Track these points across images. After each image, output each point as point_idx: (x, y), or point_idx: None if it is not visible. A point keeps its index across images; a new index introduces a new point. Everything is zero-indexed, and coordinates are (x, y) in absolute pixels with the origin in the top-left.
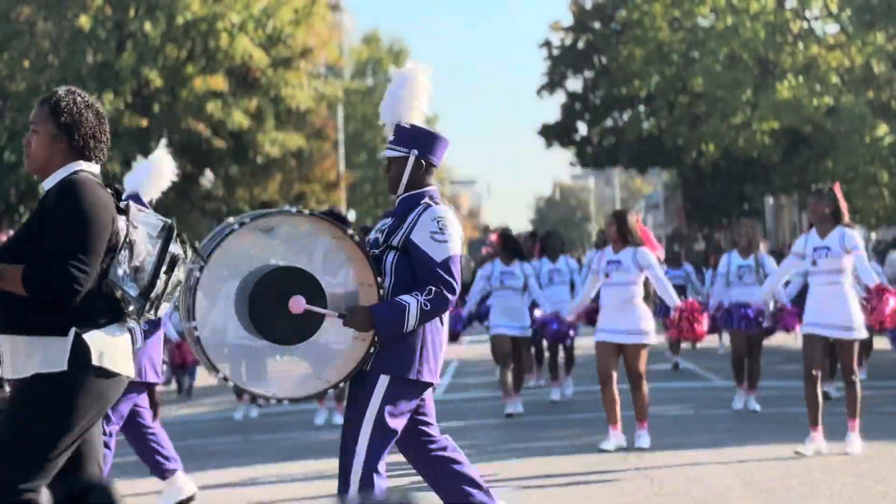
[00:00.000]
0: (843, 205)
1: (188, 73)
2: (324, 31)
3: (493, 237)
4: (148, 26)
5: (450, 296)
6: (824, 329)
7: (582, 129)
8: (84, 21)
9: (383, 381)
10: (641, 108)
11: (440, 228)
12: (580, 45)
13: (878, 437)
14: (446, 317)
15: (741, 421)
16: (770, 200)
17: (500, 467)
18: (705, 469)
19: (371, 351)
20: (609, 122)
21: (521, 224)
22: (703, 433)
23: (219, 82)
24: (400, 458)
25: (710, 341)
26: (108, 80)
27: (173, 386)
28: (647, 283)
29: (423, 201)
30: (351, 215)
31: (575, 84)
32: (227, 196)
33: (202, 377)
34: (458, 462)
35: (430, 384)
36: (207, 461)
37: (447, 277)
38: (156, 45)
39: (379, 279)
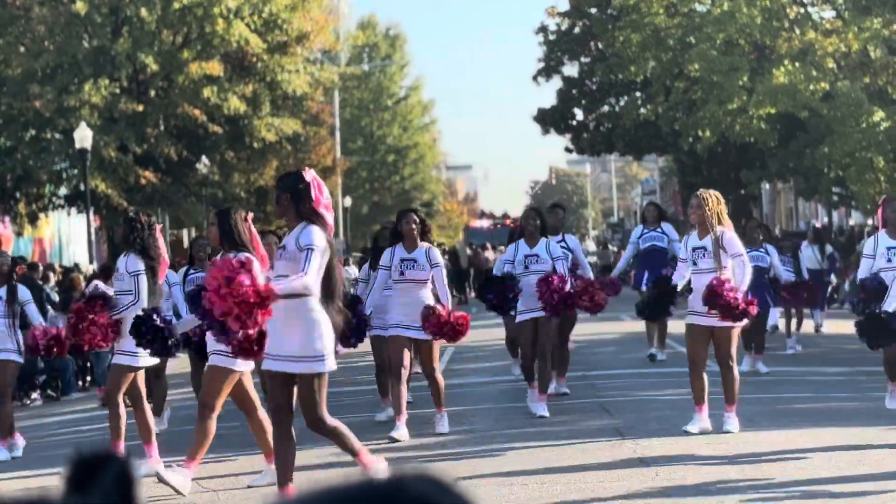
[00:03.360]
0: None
1: (184, 58)
2: (320, 17)
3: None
4: (144, 11)
5: None
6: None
7: (578, 114)
8: (80, 6)
9: None
10: (638, 93)
11: None
12: (576, 30)
13: (873, 424)
14: None
15: (737, 406)
16: (766, 186)
17: (496, 453)
18: (701, 454)
19: None
20: (605, 108)
21: (517, 210)
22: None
23: (215, 67)
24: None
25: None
26: (103, 65)
27: None
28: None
29: None
30: (347, 201)
31: (571, 69)
32: (223, 181)
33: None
34: None
35: None
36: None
37: None
38: (152, 29)
39: None
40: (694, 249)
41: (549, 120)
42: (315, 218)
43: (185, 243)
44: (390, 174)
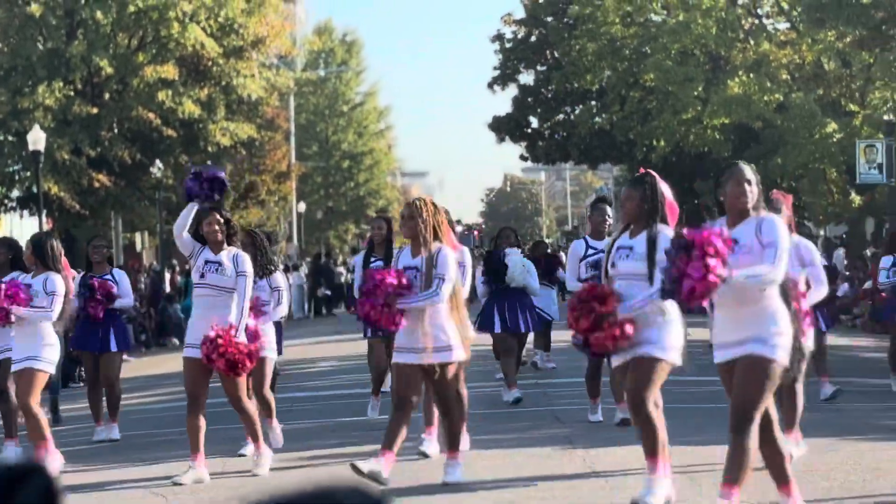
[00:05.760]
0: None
1: (139, 62)
2: (276, 22)
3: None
4: (99, 14)
5: None
6: None
7: (533, 122)
8: (35, 8)
9: None
10: (593, 102)
11: None
12: (533, 38)
13: (824, 434)
14: None
15: (688, 415)
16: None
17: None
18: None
19: None
20: (560, 116)
21: (471, 217)
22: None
23: (170, 71)
24: None
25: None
26: (58, 67)
27: None
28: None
29: None
30: (301, 207)
31: (527, 78)
32: (177, 185)
33: (166, 365)
34: None
35: None
36: (160, 450)
37: None
38: (107, 32)
39: None
40: (405, 269)
41: (505, 128)
42: None
43: (139, 247)
44: (345, 180)
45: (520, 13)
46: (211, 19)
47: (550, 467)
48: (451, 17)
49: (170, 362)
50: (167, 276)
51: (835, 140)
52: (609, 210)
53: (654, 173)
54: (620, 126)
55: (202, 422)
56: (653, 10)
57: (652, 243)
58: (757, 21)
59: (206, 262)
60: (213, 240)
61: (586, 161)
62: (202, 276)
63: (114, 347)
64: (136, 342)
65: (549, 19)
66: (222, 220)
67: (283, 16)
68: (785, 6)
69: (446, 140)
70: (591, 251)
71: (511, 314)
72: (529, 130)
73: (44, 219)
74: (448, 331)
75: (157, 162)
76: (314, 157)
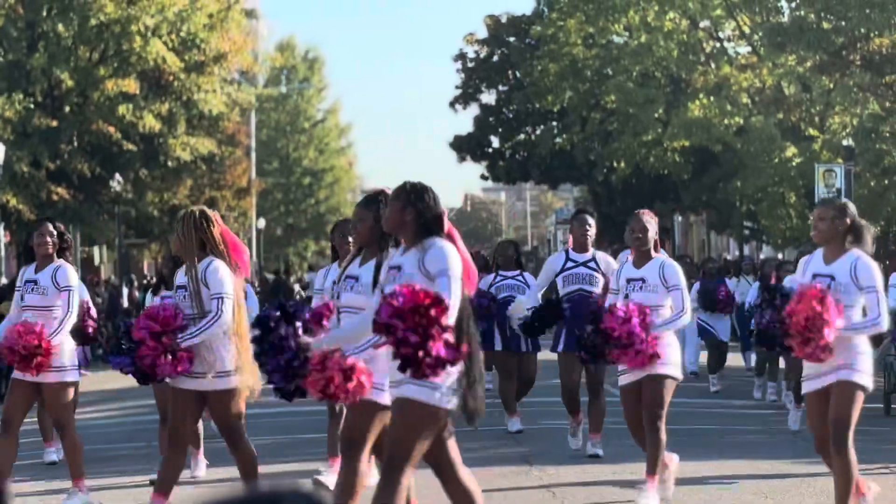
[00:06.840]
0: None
1: (100, 75)
2: (238, 37)
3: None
4: (60, 27)
5: None
6: None
7: (494, 142)
8: None
9: None
10: (554, 123)
11: None
12: (495, 58)
13: (779, 457)
14: None
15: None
16: (679, 218)
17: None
18: (608, 484)
19: None
20: (521, 137)
21: None
22: (607, 447)
23: (131, 85)
24: None
25: None
26: (18, 79)
27: None
28: None
29: None
30: (261, 223)
31: (488, 97)
32: (136, 200)
33: (122, 380)
34: None
35: None
36: (109, 466)
37: None
38: (68, 45)
39: None
40: (177, 289)
41: (466, 147)
42: None
43: (97, 261)
44: (305, 196)
45: (482, 33)
46: (173, 34)
47: (507, 486)
48: (413, 36)
49: (127, 378)
50: (125, 290)
51: (794, 164)
52: (591, 221)
53: (388, 192)
54: (581, 147)
55: (76, 443)
56: (615, 32)
57: (379, 271)
58: (718, 44)
59: (26, 282)
60: (42, 253)
61: (547, 181)
62: (22, 297)
63: None
64: (92, 357)
65: (512, 39)
66: (55, 233)
67: (246, 31)
68: (746, 30)
69: (407, 158)
70: (570, 264)
71: (512, 331)
72: (490, 150)
73: (1, 231)
74: (227, 354)
75: (117, 176)
76: (275, 174)
